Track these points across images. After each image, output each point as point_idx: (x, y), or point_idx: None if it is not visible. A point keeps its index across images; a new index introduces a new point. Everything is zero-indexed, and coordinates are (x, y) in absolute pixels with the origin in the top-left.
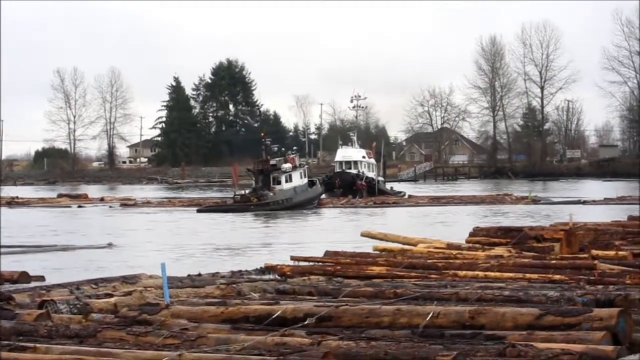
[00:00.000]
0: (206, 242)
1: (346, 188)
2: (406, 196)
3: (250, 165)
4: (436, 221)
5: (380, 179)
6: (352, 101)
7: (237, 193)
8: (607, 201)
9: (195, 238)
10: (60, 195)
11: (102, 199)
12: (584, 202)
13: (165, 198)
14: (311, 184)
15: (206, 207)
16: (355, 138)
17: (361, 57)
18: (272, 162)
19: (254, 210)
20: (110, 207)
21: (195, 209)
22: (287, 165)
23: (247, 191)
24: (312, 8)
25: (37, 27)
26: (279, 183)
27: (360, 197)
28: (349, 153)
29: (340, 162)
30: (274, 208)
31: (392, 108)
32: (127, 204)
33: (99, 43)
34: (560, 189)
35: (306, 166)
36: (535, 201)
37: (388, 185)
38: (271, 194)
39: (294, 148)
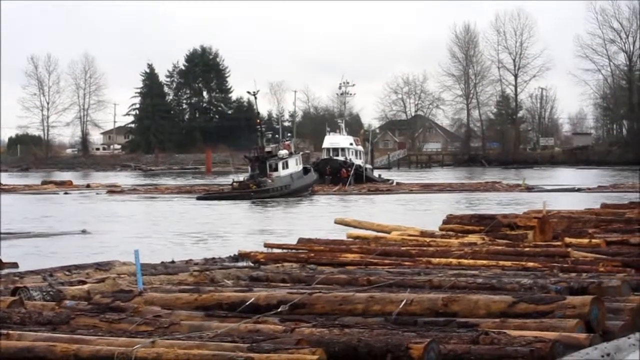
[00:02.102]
0: (186, 229)
1: (335, 175)
2: (394, 184)
3: (225, 153)
4: (427, 208)
5: (368, 166)
6: (340, 87)
7: (235, 180)
8: (601, 189)
9: (177, 225)
10: (45, 182)
11: (88, 186)
12: (579, 190)
13: (152, 185)
14: (305, 171)
15: (206, 195)
16: (343, 125)
17: (335, 44)
18: (268, 148)
19: (254, 198)
20: (97, 194)
21: (185, 195)
22: (284, 152)
23: (245, 178)
24: None
25: (10, 12)
26: (276, 170)
27: (348, 185)
28: (337, 140)
29: (328, 149)
30: (273, 195)
31: (365, 95)
32: (114, 191)
33: (72, 29)
34: (535, 177)
35: (301, 153)
36: (529, 188)
37: (376, 173)
38: (269, 181)
39: (289, 134)
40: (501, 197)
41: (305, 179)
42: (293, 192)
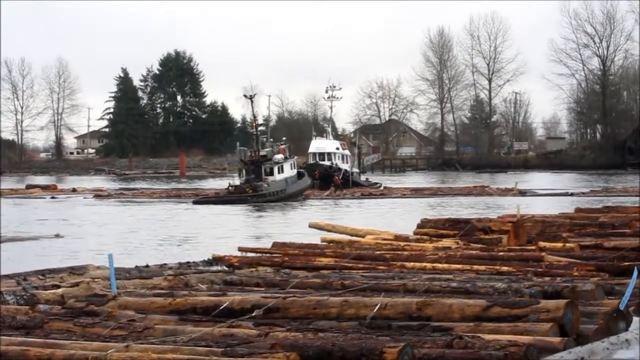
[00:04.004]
0: (164, 234)
1: (323, 180)
2: (382, 187)
3: (198, 157)
4: (422, 212)
5: (355, 170)
6: (327, 92)
7: (231, 184)
8: (594, 193)
9: (157, 230)
10: (30, 187)
11: (74, 190)
12: (572, 194)
13: (133, 189)
14: (299, 175)
15: (203, 199)
16: (329, 129)
17: (308, 48)
18: (262, 152)
19: (251, 202)
20: (85, 198)
21: (175, 200)
22: (279, 156)
23: (240, 182)
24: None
25: None
26: (271, 174)
27: (339, 190)
28: (323, 144)
29: (314, 154)
30: (270, 199)
31: (339, 99)
32: (100, 195)
33: (46, 33)
34: (519, 181)
35: (295, 157)
36: (522, 193)
37: (363, 177)
38: (265, 185)
39: (283, 139)
40: (493, 202)
41: (300, 184)
42: (288, 197)
